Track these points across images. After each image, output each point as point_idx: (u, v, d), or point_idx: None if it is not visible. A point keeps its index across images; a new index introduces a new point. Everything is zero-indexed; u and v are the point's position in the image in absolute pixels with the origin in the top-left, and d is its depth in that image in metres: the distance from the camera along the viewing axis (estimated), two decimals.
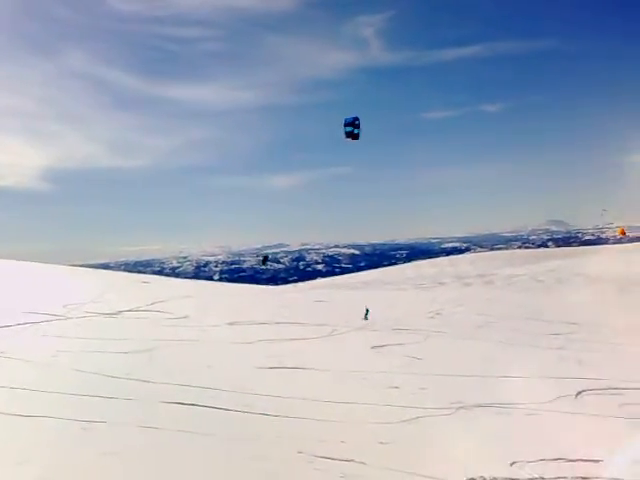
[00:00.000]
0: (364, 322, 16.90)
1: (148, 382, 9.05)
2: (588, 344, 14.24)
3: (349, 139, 15.09)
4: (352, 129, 14.91)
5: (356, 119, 14.99)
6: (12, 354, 10.26)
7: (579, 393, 9.59)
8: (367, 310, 16.84)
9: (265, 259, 33.21)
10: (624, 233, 35.46)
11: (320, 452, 6.32)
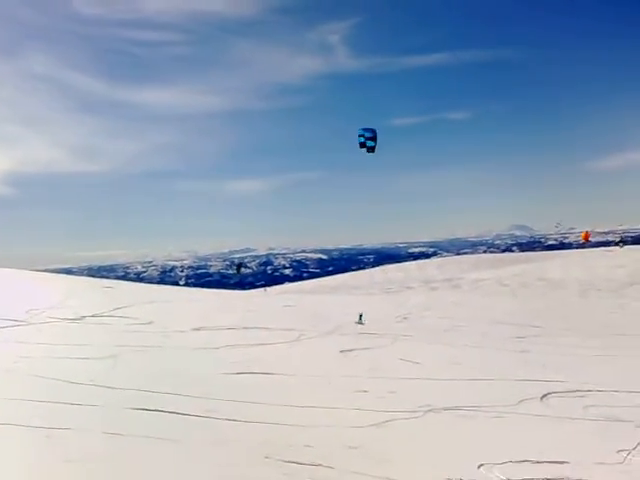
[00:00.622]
0: (359, 326, 16.88)
1: (112, 388, 8.87)
2: (552, 347, 14.45)
3: (363, 149, 15.18)
4: (373, 144, 15.03)
5: (374, 132, 15.10)
6: None
7: (544, 396, 9.69)
8: (361, 315, 16.78)
9: (240, 267, 33.03)
10: (587, 238, 36.13)
11: (288, 457, 6.25)
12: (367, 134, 15.26)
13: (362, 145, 15.32)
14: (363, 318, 16.81)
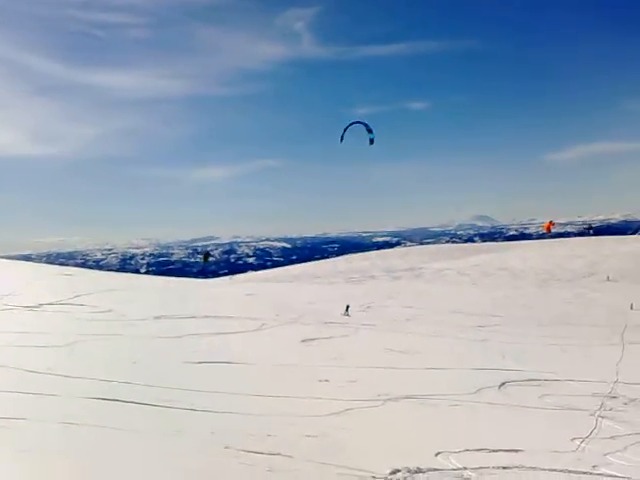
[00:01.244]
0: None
1: (70, 377, 8.73)
2: (511, 337, 14.71)
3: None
4: (373, 136, 15.12)
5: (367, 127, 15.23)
6: None
7: (502, 384, 9.86)
8: (347, 306, 16.74)
9: (207, 255, 32.72)
10: (550, 229, 36.49)
11: (247, 447, 6.24)
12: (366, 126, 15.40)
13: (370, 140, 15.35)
14: (350, 310, 16.78)
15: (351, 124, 15.42)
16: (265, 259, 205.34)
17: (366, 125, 15.28)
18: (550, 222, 36.97)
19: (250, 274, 50.11)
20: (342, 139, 15.45)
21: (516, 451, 6.65)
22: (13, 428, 6.26)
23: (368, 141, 15.25)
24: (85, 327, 13.10)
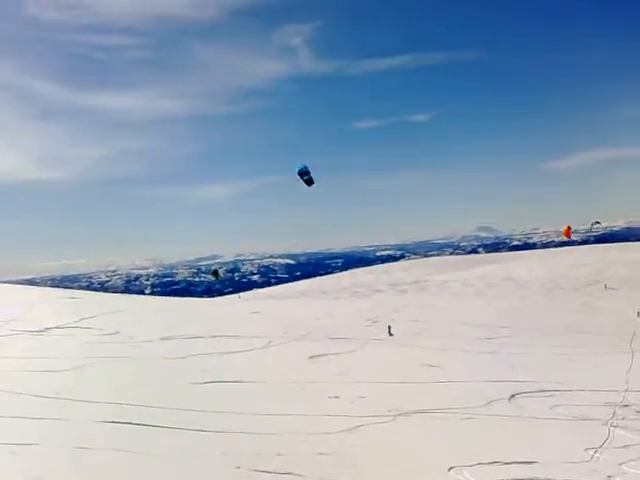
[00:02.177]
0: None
1: (79, 401, 8.69)
2: (519, 348, 14.64)
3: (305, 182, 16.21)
4: (309, 177, 16.11)
5: (306, 171, 16.30)
6: None
7: (512, 396, 9.81)
8: (389, 327, 16.50)
9: (216, 272, 32.70)
10: (569, 234, 35.74)
11: (258, 466, 6.20)
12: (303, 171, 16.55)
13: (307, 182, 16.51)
14: (392, 330, 16.52)
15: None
16: (269, 276, 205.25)
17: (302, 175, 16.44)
18: (568, 227, 36.22)
19: (255, 292, 50.06)
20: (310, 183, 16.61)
21: (530, 463, 6.60)
22: (24, 454, 6.21)
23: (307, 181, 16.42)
24: (92, 350, 13.05)
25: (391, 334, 16.26)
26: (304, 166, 16.79)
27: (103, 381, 10.33)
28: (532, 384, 10.61)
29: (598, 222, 36.62)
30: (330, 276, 55.08)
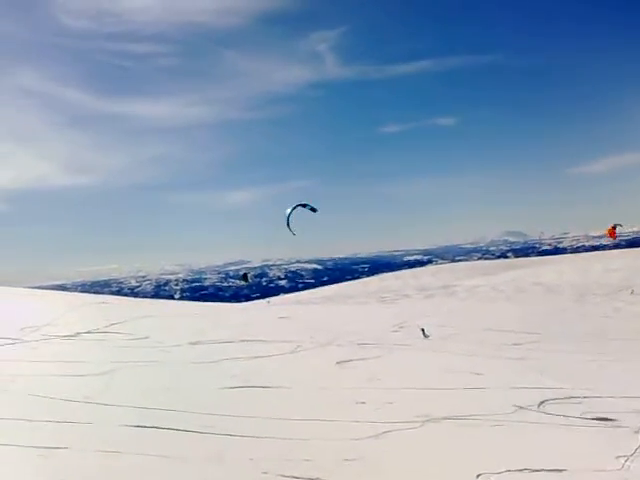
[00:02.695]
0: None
1: (108, 405, 8.83)
2: (549, 353, 14.46)
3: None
4: (311, 207, 16.50)
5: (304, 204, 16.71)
6: None
7: (541, 403, 9.69)
8: (423, 329, 16.25)
9: (245, 276, 32.98)
10: (614, 234, 34.11)
11: (285, 472, 6.23)
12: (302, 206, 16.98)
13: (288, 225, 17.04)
14: (426, 331, 16.22)
15: (293, 209, 16.82)
16: (297, 281, 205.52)
17: (303, 206, 16.71)
18: (613, 226, 34.53)
19: (283, 297, 50.19)
20: (288, 224, 16.89)
21: (559, 471, 6.52)
22: (54, 458, 6.33)
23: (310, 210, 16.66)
24: (122, 355, 13.24)
25: (426, 336, 15.97)
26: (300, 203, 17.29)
27: (132, 385, 10.47)
28: (562, 390, 10.47)
29: (619, 225, 35.08)
30: (357, 281, 54.97)
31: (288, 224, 16.64)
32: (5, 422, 7.64)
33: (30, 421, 7.71)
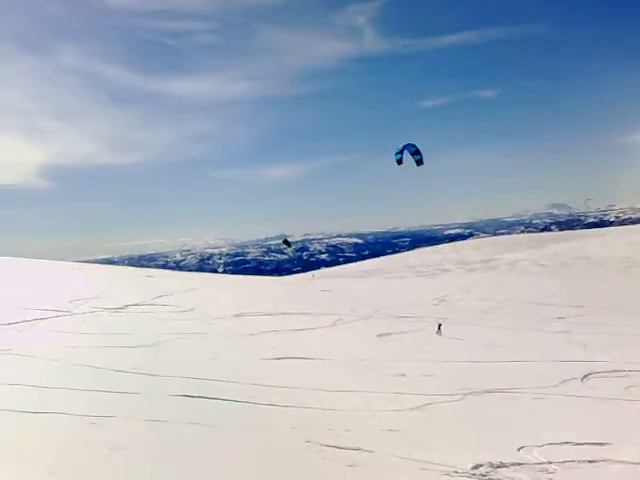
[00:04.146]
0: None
1: (155, 376, 9.08)
2: (593, 327, 14.25)
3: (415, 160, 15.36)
4: (420, 157, 15.28)
5: (416, 150, 15.37)
6: (20, 351, 10.30)
7: (585, 376, 9.60)
8: (440, 325, 15.01)
9: (286, 241, 33.04)
10: None
11: (327, 441, 6.34)
12: (410, 149, 15.39)
13: (399, 162, 15.49)
14: (442, 327, 15.07)
15: (404, 147, 15.45)
16: (337, 255, 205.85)
17: (413, 147, 15.30)
18: None
19: (324, 270, 50.41)
20: (400, 162, 15.54)
21: (602, 444, 6.48)
22: (104, 426, 6.55)
23: (415, 162, 15.33)
24: (168, 326, 13.56)
25: (440, 332, 14.82)
26: (413, 146, 15.90)
27: (178, 356, 10.74)
28: (606, 364, 10.34)
29: None
30: (397, 255, 54.88)
31: (400, 159, 15.78)
32: (57, 392, 7.93)
33: (80, 390, 8.00)
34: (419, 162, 15.38)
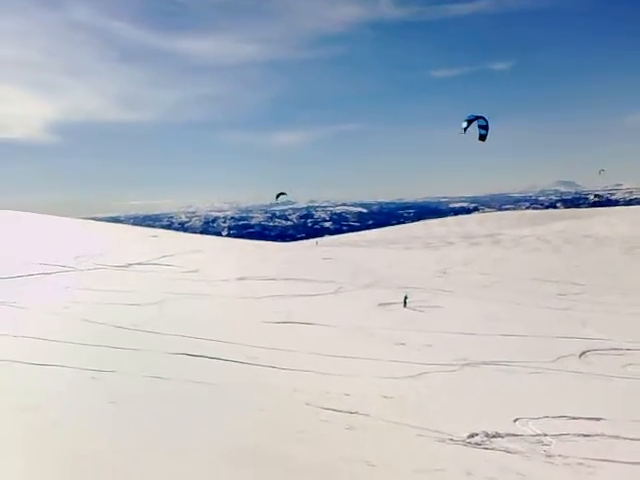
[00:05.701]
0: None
1: (157, 333, 9.18)
2: (593, 305, 14.31)
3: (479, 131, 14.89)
4: (485, 133, 14.78)
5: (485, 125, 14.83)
6: (24, 304, 10.42)
7: (583, 353, 9.68)
8: (406, 297, 14.97)
9: (280, 194, 32.80)
10: None
11: (326, 405, 6.43)
12: (480, 122, 14.98)
13: (464, 130, 15.05)
14: (408, 300, 14.99)
15: (475, 118, 14.98)
16: (341, 224, 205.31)
17: (484, 122, 14.87)
18: None
19: (327, 238, 50.43)
20: (465, 130, 15.08)
21: (597, 419, 6.57)
22: (103, 380, 6.63)
23: (478, 135, 14.87)
24: (172, 286, 13.64)
25: (406, 304, 14.54)
26: (484, 120, 15.28)
27: (180, 316, 10.83)
28: (604, 342, 10.42)
29: None
30: (402, 226, 54.81)
31: (466, 127, 15.23)
32: (59, 345, 8.03)
33: (83, 345, 8.08)
34: (483, 137, 15.05)
